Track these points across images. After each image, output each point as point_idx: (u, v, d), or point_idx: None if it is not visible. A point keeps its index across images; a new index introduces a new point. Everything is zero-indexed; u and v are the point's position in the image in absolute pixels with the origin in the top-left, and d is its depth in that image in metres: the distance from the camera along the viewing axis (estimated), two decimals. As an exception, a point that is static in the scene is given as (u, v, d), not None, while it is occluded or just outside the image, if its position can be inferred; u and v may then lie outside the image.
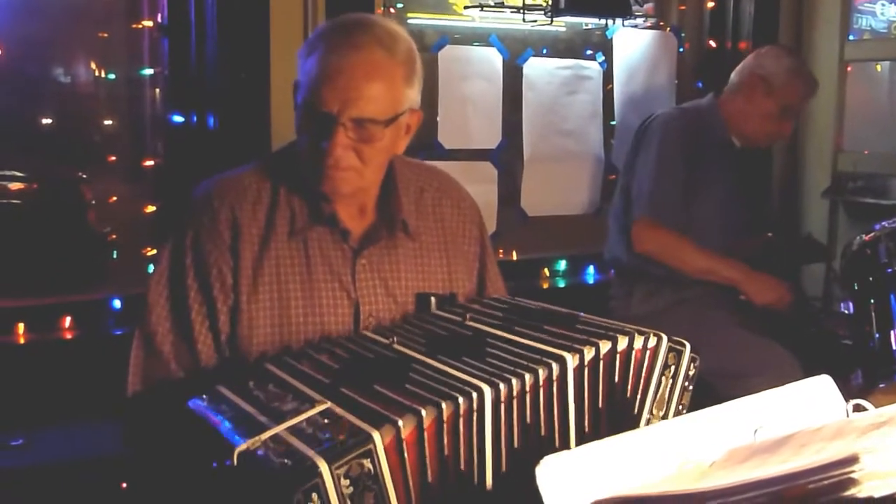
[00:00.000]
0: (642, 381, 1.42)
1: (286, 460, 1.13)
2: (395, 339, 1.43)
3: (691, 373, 1.47)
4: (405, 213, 1.70)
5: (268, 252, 1.61)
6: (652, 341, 1.42)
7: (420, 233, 1.73)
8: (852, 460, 0.89)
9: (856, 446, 0.99)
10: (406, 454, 1.18)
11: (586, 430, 1.37)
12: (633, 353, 1.41)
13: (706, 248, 2.91)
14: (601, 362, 1.37)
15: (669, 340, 1.44)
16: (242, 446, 1.16)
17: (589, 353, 1.36)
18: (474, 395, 1.24)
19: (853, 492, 0.88)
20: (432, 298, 1.67)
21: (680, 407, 1.47)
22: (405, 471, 1.18)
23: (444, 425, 1.21)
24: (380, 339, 1.46)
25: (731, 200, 3.07)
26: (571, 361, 1.33)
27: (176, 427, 1.37)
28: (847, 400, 1.32)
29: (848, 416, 1.28)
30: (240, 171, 1.69)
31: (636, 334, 1.41)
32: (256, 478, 1.14)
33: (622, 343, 1.39)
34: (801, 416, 1.28)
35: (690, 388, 1.48)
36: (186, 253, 1.61)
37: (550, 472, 1.10)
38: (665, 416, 1.45)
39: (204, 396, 1.32)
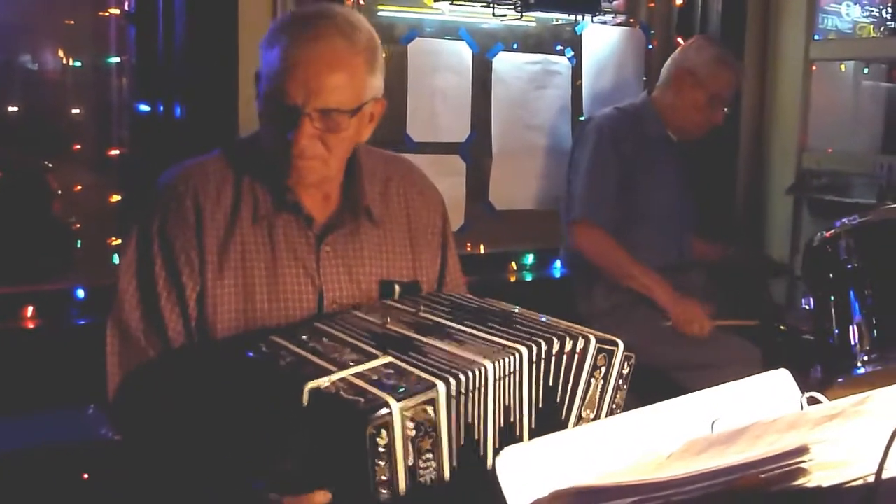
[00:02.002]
0: (570, 382, 1.42)
1: (359, 398, 1.22)
2: (388, 319, 1.48)
3: (625, 371, 1.47)
4: (369, 200, 1.71)
5: (233, 237, 1.62)
6: (580, 343, 1.42)
7: (384, 220, 1.74)
8: (802, 451, 0.91)
9: (808, 438, 1.01)
10: (456, 409, 1.29)
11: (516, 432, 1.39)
12: (563, 356, 1.41)
13: (636, 261, 2.95)
14: (532, 365, 1.38)
15: (599, 341, 1.43)
16: (313, 383, 1.25)
17: (512, 363, 1.36)
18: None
19: (803, 481, 0.90)
20: (396, 286, 1.70)
21: (614, 406, 1.47)
22: (452, 425, 1.29)
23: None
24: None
25: (675, 194, 3.13)
26: (493, 370, 1.34)
27: (203, 388, 1.44)
28: (804, 393, 1.35)
29: (802, 408, 1.30)
30: (203, 158, 1.70)
31: (564, 337, 1.40)
32: (329, 413, 1.23)
33: (546, 346, 1.39)
34: (758, 408, 1.30)
35: (625, 386, 1.48)
36: (153, 240, 1.62)
37: (510, 463, 1.11)
38: (597, 417, 1.45)
39: (262, 346, 1.38)
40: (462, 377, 1.29)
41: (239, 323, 1.59)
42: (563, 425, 1.42)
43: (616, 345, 1.45)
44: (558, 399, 1.42)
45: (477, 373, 1.31)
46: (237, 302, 1.60)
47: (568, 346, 1.41)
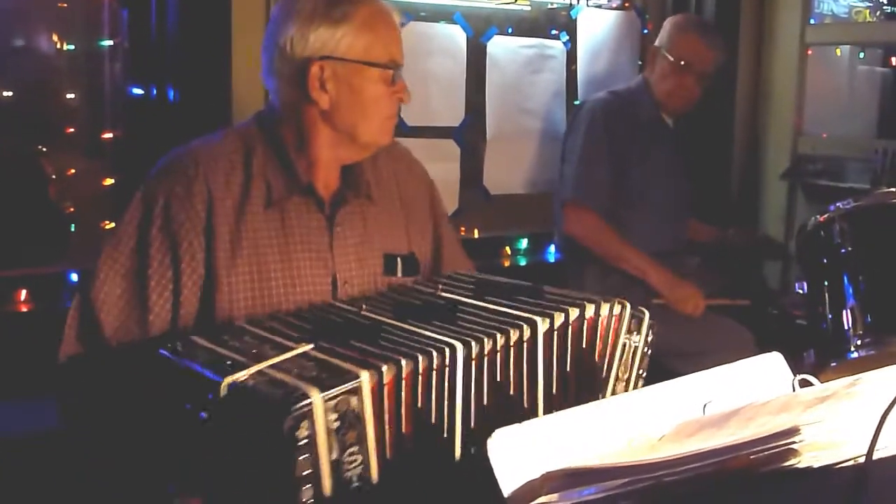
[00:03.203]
0: (609, 345, 1.49)
1: (276, 389, 1.15)
2: (363, 305, 1.46)
3: (650, 339, 1.54)
4: (368, 177, 1.75)
5: (244, 224, 1.61)
6: (617, 308, 1.48)
7: (380, 196, 1.76)
8: (793, 432, 0.91)
9: (799, 419, 1.01)
10: (385, 400, 1.22)
11: (554, 392, 1.42)
12: (600, 319, 1.46)
13: (628, 243, 2.96)
14: (570, 328, 1.42)
15: (632, 308, 1.50)
16: (229, 378, 1.18)
17: (559, 319, 1.40)
18: (447, 350, 1.27)
19: (793, 462, 0.90)
20: (398, 259, 1.73)
21: (640, 371, 1.53)
22: (383, 416, 1.22)
23: (420, 377, 1.25)
24: (349, 307, 1.48)
25: (669, 178, 3.13)
26: (542, 325, 1.38)
27: (131, 382, 1.40)
28: (797, 376, 1.35)
29: (794, 391, 1.30)
30: (209, 140, 1.69)
31: (602, 302, 1.46)
32: (245, 408, 1.16)
33: (589, 310, 1.44)
34: (750, 391, 1.30)
35: (649, 353, 1.55)
36: (154, 221, 1.60)
37: (501, 445, 1.12)
38: (628, 380, 1.51)
39: (178, 345, 1.32)
40: (404, 362, 1.23)
41: (254, 311, 1.58)
42: (602, 385, 1.48)
43: (644, 313, 1.52)
44: (597, 359, 1.47)
45: (436, 355, 1.26)
46: (252, 290, 1.59)
47: (605, 311, 1.46)
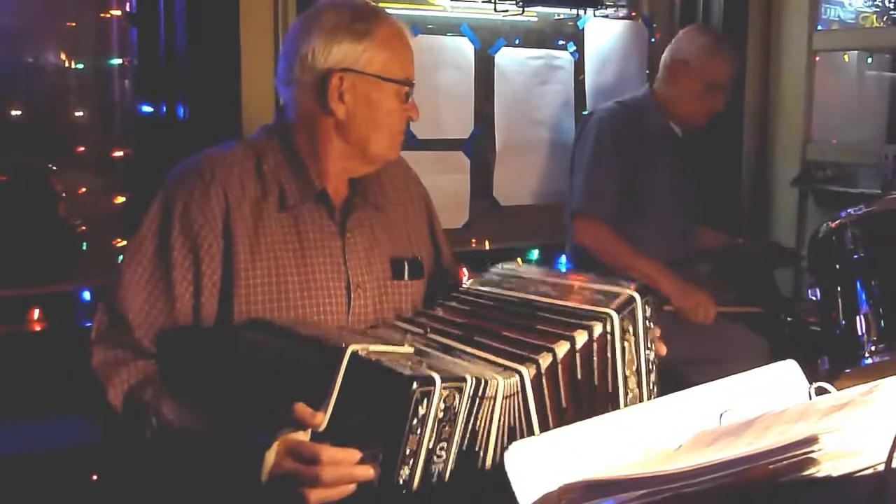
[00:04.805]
0: (609, 362, 1.45)
1: (402, 368, 1.25)
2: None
3: (648, 314, 1.51)
4: (373, 185, 1.80)
5: (262, 227, 1.64)
6: (608, 326, 1.44)
7: (385, 204, 1.81)
8: (812, 441, 0.91)
9: (817, 427, 1.01)
10: (469, 410, 1.31)
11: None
12: (593, 344, 1.43)
13: (638, 251, 2.94)
14: (559, 366, 1.40)
15: (619, 309, 1.45)
16: (354, 346, 1.27)
17: (546, 361, 1.39)
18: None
19: (813, 471, 0.90)
20: (406, 263, 1.78)
21: (647, 351, 1.51)
22: (465, 423, 1.31)
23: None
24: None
25: (678, 187, 3.13)
26: (529, 372, 1.38)
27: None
28: (812, 384, 1.35)
29: (811, 398, 1.30)
30: (222, 149, 1.72)
31: (592, 326, 1.42)
32: (368, 378, 1.25)
33: (581, 339, 1.42)
34: (766, 399, 1.30)
35: (651, 325, 1.52)
36: (174, 225, 1.62)
37: (519, 458, 1.11)
38: (637, 369, 1.48)
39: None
40: (482, 382, 1.31)
41: (272, 313, 1.61)
42: (614, 397, 1.45)
43: (634, 300, 1.48)
44: (599, 379, 1.44)
45: (490, 382, 1.33)
46: (270, 292, 1.62)
47: (597, 332, 1.43)
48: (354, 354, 1.27)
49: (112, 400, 1.56)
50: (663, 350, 1.57)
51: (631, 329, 1.47)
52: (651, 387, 1.51)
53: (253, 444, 1.29)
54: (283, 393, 1.30)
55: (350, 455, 1.25)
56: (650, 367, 1.52)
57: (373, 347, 1.31)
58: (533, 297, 1.55)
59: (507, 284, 1.63)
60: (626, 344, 1.46)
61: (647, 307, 1.50)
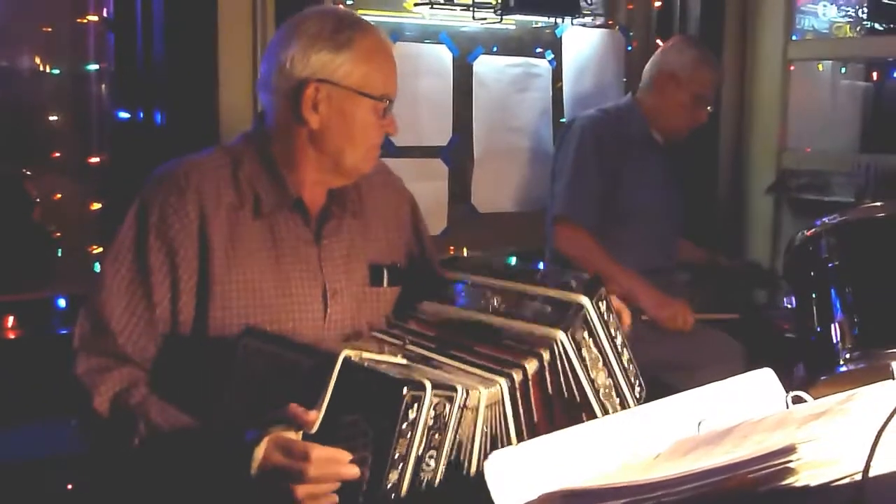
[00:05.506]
0: (571, 374, 1.45)
1: (394, 374, 1.27)
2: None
3: (603, 308, 1.50)
4: (352, 194, 1.77)
5: (237, 234, 1.63)
6: (557, 348, 1.44)
7: (364, 211, 1.79)
8: (790, 450, 0.91)
9: (795, 436, 1.02)
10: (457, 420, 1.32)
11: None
12: (558, 358, 1.44)
13: (615, 260, 2.94)
14: (529, 382, 1.42)
15: (566, 328, 1.45)
16: (347, 352, 1.28)
17: (518, 376, 1.41)
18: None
19: (790, 481, 0.90)
20: (385, 270, 1.76)
21: (612, 340, 1.51)
22: (453, 433, 1.32)
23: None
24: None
25: (660, 196, 3.14)
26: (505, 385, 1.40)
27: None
28: (789, 392, 1.36)
29: (787, 407, 1.31)
30: (198, 156, 1.71)
31: (538, 354, 1.43)
32: (360, 382, 1.26)
33: (532, 367, 1.42)
34: (744, 408, 1.31)
35: (612, 317, 1.52)
36: (151, 230, 1.61)
37: (498, 467, 1.11)
38: (606, 362, 1.49)
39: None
40: (469, 392, 1.33)
41: (248, 319, 1.60)
42: (586, 405, 1.46)
43: (582, 306, 1.47)
44: (566, 392, 1.44)
45: (471, 393, 1.34)
46: (246, 297, 1.62)
47: (546, 358, 1.43)
48: (347, 359, 1.27)
49: (98, 407, 1.54)
50: (627, 320, 1.59)
51: (586, 334, 1.47)
52: (627, 365, 1.53)
53: (244, 440, 1.30)
54: (276, 397, 1.30)
55: (340, 455, 1.25)
56: (619, 350, 1.53)
57: (366, 354, 1.32)
58: (483, 317, 1.55)
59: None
60: (584, 352, 1.46)
61: (600, 304, 1.50)
